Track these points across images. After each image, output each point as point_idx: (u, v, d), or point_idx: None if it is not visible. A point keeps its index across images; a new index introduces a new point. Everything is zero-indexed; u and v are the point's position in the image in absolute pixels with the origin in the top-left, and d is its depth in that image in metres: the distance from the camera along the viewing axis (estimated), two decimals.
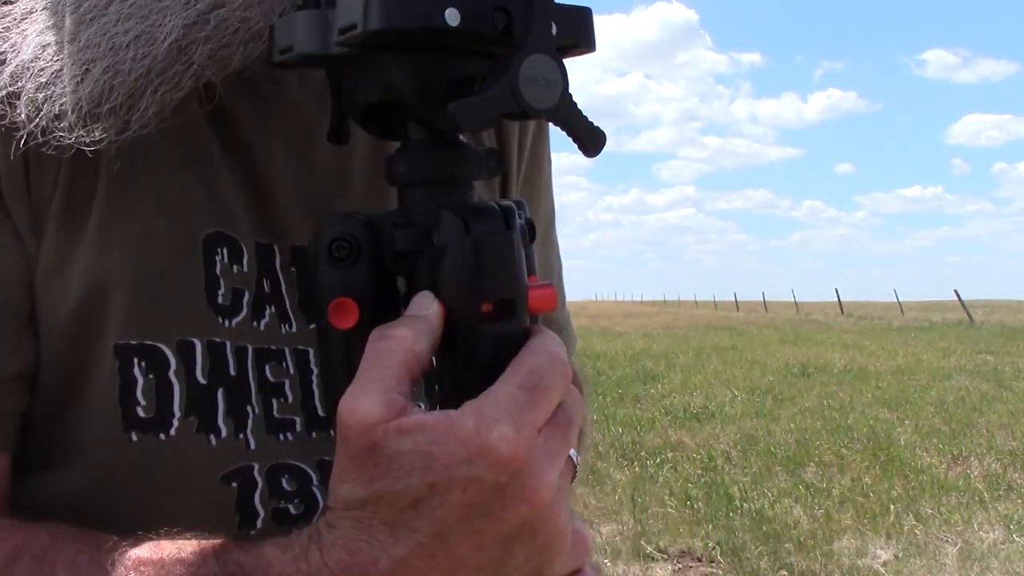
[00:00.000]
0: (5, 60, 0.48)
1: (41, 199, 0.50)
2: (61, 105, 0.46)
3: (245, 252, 0.54)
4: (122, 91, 0.46)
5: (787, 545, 3.92)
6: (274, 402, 0.54)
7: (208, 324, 0.52)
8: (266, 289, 0.55)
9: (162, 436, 0.51)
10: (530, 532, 0.39)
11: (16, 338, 0.50)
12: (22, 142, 0.47)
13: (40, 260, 0.50)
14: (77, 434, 0.52)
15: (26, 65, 0.47)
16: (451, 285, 0.41)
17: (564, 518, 0.40)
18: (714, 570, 3.70)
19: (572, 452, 0.41)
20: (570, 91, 0.40)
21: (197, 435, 0.51)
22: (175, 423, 0.51)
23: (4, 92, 0.47)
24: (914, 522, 4.26)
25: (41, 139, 0.46)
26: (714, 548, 3.89)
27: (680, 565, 3.75)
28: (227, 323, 0.53)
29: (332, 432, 0.54)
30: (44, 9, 0.49)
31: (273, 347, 0.55)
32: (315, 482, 0.55)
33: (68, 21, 0.47)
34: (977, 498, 4.70)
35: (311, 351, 0.56)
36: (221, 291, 0.53)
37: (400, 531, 0.37)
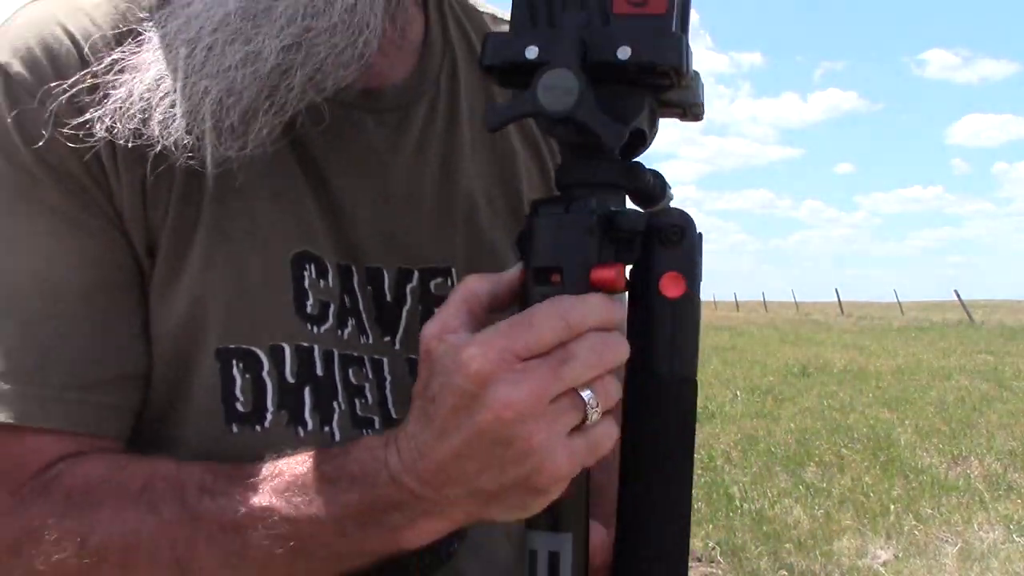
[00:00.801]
0: (131, 91, 0.55)
1: (155, 224, 0.58)
2: (187, 126, 0.53)
3: (329, 270, 0.62)
4: (237, 110, 0.53)
5: (787, 545, 3.92)
6: (357, 402, 0.62)
7: (297, 331, 0.60)
8: (347, 304, 0.63)
9: (258, 428, 0.59)
10: (503, 441, 0.46)
11: (135, 343, 0.59)
12: (149, 163, 0.55)
13: (153, 277, 0.59)
14: (181, 428, 0.59)
15: (149, 90, 0.54)
16: (524, 257, 0.52)
17: (543, 438, 0.46)
18: (714, 570, 3.70)
19: (587, 394, 0.47)
20: (590, 98, 0.48)
21: (287, 427, 0.59)
22: (269, 416, 0.59)
23: (128, 118, 0.54)
24: (914, 522, 4.26)
25: (172, 158, 0.54)
26: (714, 548, 3.89)
27: None
28: (316, 330, 0.61)
29: None
30: (157, 42, 0.56)
31: (355, 354, 0.63)
32: None
33: (180, 49, 0.54)
34: (977, 498, 4.70)
35: (385, 360, 0.64)
36: (310, 302, 0.61)
37: (423, 418, 0.48)
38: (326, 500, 0.51)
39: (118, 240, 0.57)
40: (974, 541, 3.99)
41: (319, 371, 0.60)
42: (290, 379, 0.59)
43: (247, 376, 0.58)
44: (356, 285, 0.64)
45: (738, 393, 8.78)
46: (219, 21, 0.53)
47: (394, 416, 0.63)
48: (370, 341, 0.64)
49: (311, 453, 0.53)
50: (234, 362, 0.58)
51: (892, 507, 4.49)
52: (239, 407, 0.58)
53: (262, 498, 0.52)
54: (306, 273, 0.61)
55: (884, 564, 3.73)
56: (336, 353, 0.61)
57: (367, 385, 0.63)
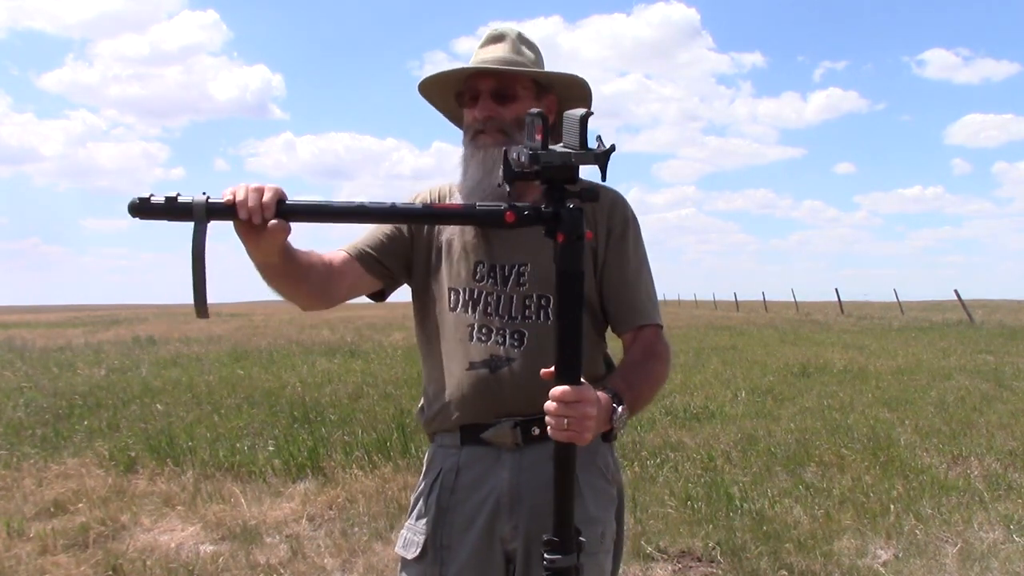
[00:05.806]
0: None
1: (429, 245, 1.71)
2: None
3: (486, 263, 1.63)
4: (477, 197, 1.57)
5: (787, 545, 3.92)
6: (487, 307, 1.61)
7: (470, 284, 1.63)
8: (492, 275, 1.62)
9: (454, 312, 1.63)
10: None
11: (388, 250, 1.69)
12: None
13: (431, 261, 1.70)
14: (436, 312, 1.67)
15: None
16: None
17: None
18: (714, 570, 3.70)
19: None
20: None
21: (463, 313, 1.62)
22: (458, 309, 1.63)
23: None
24: (914, 522, 4.25)
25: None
26: (714, 548, 3.89)
27: (680, 565, 3.75)
28: (476, 283, 1.62)
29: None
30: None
31: (489, 291, 1.62)
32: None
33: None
34: (977, 498, 4.70)
35: (501, 296, 1.61)
36: (477, 275, 1.63)
37: None
38: None
39: (405, 233, 1.69)
40: (974, 541, 3.99)
41: (475, 296, 1.61)
42: (465, 298, 1.62)
43: (452, 297, 1.63)
44: (496, 269, 1.62)
45: (738, 393, 8.78)
46: (467, 187, 1.61)
47: (498, 313, 1.60)
48: (497, 287, 1.61)
49: None
50: (451, 292, 1.63)
51: (892, 507, 4.49)
52: (450, 305, 1.63)
53: None
54: (479, 266, 1.62)
55: (884, 564, 3.73)
56: (484, 291, 1.60)
57: (491, 302, 1.60)
